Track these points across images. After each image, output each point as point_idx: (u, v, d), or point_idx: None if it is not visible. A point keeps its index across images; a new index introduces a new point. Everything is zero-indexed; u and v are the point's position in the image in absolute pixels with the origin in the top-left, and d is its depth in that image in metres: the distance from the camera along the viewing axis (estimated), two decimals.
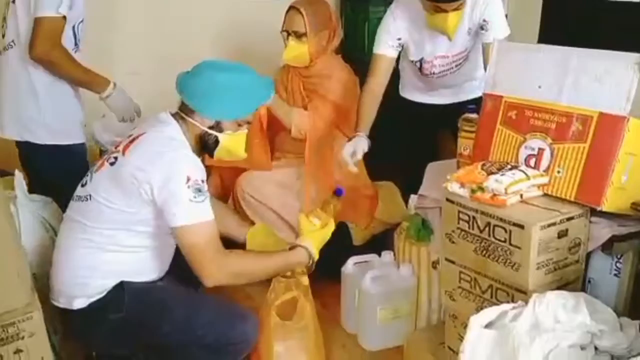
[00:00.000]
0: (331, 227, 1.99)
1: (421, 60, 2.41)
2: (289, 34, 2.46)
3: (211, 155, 1.88)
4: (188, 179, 1.67)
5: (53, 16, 2.05)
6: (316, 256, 1.93)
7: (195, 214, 1.67)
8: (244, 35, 3.39)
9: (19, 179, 1.90)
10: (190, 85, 1.79)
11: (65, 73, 2.17)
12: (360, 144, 2.19)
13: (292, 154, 2.64)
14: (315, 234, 1.95)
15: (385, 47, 2.34)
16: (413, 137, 2.58)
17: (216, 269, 1.70)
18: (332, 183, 2.52)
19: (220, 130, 1.82)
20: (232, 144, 1.85)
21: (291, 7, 2.47)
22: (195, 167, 1.72)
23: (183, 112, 1.82)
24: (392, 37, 2.32)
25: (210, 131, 1.81)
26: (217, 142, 1.83)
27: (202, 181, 1.70)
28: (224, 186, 2.67)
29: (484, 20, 2.24)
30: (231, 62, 1.90)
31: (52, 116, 2.20)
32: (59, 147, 2.22)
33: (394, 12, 2.33)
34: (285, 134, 2.60)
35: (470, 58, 2.40)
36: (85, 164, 2.30)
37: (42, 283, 1.81)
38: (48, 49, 2.07)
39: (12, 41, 2.16)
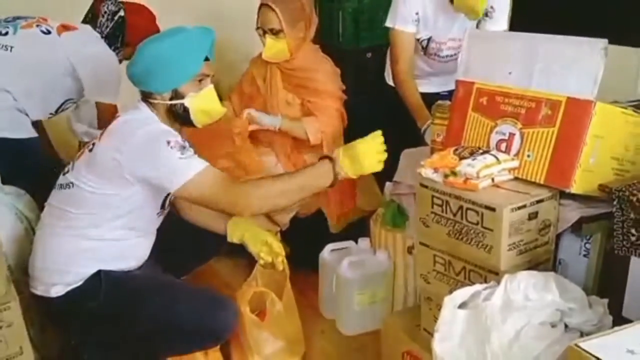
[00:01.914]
0: (381, 149, 1.80)
1: (429, 39, 2.39)
2: (264, 32, 2.43)
3: (193, 125, 1.87)
4: (168, 143, 1.68)
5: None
6: (348, 171, 1.77)
7: (190, 167, 1.68)
8: (220, 27, 3.38)
9: None
10: (133, 71, 1.80)
11: None
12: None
13: (269, 144, 2.64)
14: (354, 146, 1.79)
15: (404, 21, 2.32)
16: (395, 125, 2.59)
17: (241, 200, 1.71)
18: None
19: (182, 97, 1.81)
20: (202, 102, 1.84)
21: (263, 4, 2.43)
22: (170, 133, 1.74)
23: (144, 98, 1.83)
24: (409, 10, 2.30)
25: (174, 102, 1.80)
26: (186, 109, 1.82)
27: (183, 140, 1.72)
28: None
29: (492, 8, 2.26)
30: (161, 33, 1.91)
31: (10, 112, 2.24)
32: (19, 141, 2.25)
33: None
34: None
35: None
36: (40, 158, 2.34)
37: (18, 274, 1.81)
38: None
39: (11, 47, 2.22)
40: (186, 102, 1.81)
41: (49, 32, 2.28)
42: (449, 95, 2.02)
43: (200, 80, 1.83)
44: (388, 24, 2.38)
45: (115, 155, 1.70)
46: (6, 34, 2.24)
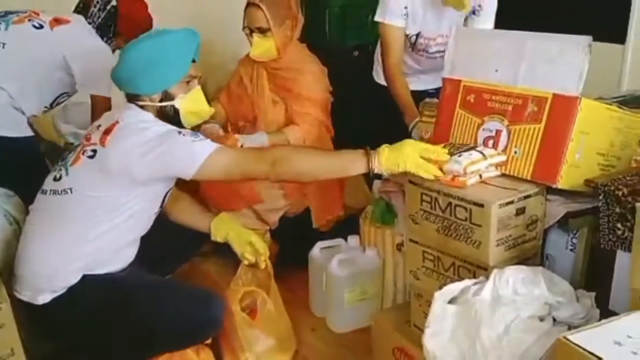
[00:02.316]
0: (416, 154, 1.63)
1: (417, 35, 2.40)
2: (252, 31, 2.43)
3: (182, 126, 1.87)
4: (179, 132, 1.73)
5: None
6: (385, 161, 1.65)
7: (205, 148, 1.71)
8: (203, 28, 3.37)
9: None
10: (121, 74, 1.81)
11: None
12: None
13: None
14: (402, 143, 1.68)
15: (393, 15, 2.33)
16: (383, 123, 2.59)
17: (270, 163, 1.71)
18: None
19: (172, 98, 1.82)
20: (191, 104, 1.85)
21: (250, 3, 2.43)
22: (177, 126, 1.78)
23: (132, 100, 1.83)
24: (398, 4, 2.31)
25: (164, 103, 1.81)
26: (176, 110, 1.83)
27: (191, 129, 1.77)
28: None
29: (479, 6, 2.28)
30: (146, 34, 1.89)
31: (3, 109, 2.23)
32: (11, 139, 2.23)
33: None
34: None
35: None
36: (38, 157, 2.35)
37: (7, 276, 1.80)
38: None
39: (3, 44, 2.20)
40: (176, 103, 1.82)
41: (41, 27, 2.25)
42: (437, 92, 2.03)
43: (188, 82, 1.84)
44: (377, 18, 2.40)
45: (127, 157, 1.70)
46: None
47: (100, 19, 2.37)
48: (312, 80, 2.54)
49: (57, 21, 2.29)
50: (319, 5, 3.42)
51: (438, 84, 2.36)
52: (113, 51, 2.43)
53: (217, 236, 2.03)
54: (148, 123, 1.77)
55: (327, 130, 2.65)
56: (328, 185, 2.59)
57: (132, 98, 1.83)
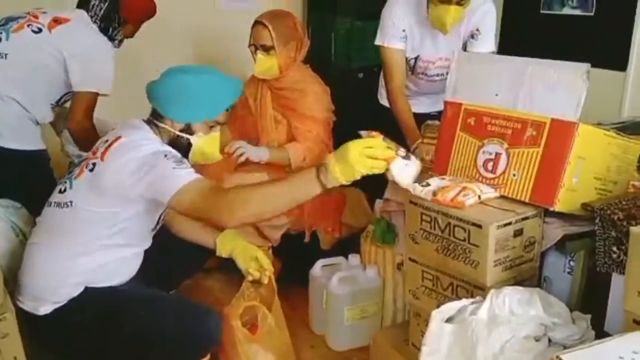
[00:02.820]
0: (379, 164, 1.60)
1: (416, 58, 2.45)
2: (256, 48, 2.48)
3: (186, 159, 1.91)
4: (165, 155, 1.72)
5: (99, 93, 2.31)
6: (337, 173, 1.58)
7: (182, 177, 1.67)
8: (212, 47, 3.43)
9: None
10: (157, 90, 1.84)
11: (90, 144, 2.21)
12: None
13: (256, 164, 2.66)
14: (344, 146, 1.61)
15: (392, 39, 2.38)
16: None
17: (225, 208, 1.64)
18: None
19: (192, 133, 1.86)
20: (205, 145, 1.89)
21: (257, 22, 2.49)
22: (170, 150, 1.77)
23: (154, 118, 1.87)
24: (396, 28, 2.36)
25: (182, 134, 1.85)
26: (189, 144, 1.87)
27: (180, 156, 1.75)
28: None
29: (477, 30, 2.32)
30: (197, 65, 1.94)
31: (16, 121, 2.25)
32: (23, 152, 2.26)
33: (395, 3, 2.37)
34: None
35: None
36: (48, 170, 2.37)
37: (12, 287, 1.83)
38: (86, 124, 2.31)
39: (5, 54, 2.21)
40: (192, 138, 1.86)
41: (40, 31, 2.24)
42: (439, 115, 2.06)
43: (212, 126, 1.89)
44: (377, 42, 2.45)
45: (118, 174, 1.72)
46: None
47: (102, 11, 2.35)
48: (314, 100, 2.58)
49: (56, 21, 2.27)
50: (325, 28, 3.48)
51: (438, 106, 2.38)
52: (121, 42, 2.44)
53: (222, 252, 2.05)
54: (146, 141, 1.79)
55: (329, 150, 2.68)
56: (325, 201, 2.63)
57: (156, 116, 1.86)
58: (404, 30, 2.37)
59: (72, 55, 2.25)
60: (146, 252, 1.94)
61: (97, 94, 2.31)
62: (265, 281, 2.00)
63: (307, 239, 2.60)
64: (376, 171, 1.59)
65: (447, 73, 2.39)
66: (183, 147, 1.87)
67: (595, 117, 1.83)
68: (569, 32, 3.03)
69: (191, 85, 1.82)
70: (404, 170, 1.61)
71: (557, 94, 1.55)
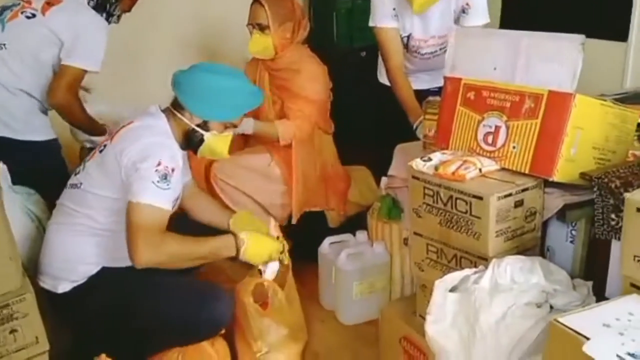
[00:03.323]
0: (275, 246, 1.99)
1: (408, 37, 2.46)
2: (253, 27, 2.50)
3: (195, 152, 1.97)
4: (159, 163, 1.75)
5: (85, 69, 2.23)
6: (245, 254, 1.89)
7: (153, 197, 1.73)
8: (211, 29, 3.45)
9: (4, 171, 1.96)
10: (185, 83, 1.88)
11: (76, 119, 2.32)
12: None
13: (262, 143, 2.69)
14: (258, 236, 1.95)
15: (383, 18, 2.39)
16: (388, 122, 2.63)
17: (147, 252, 1.72)
18: (316, 176, 2.63)
19: (207, 130, 1.91)
20: (217, 144, 1.95)
21: (255, 1, 2.51)
22: (170, 155, 1.79)
23: (174, 108, 1.92)
24: (386, 7, 2.37)
25: (197, 129, 1.91)
26: (202, 140, 1.92)
27: (172, 170, 1.77)
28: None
29: (467, 4, 2.32)
30: (225, 66, 1.98)
31: (26, 113, 2.27)
32: (36, 143, 2.29)
33: None
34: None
35: None
36: (60, 158, 2.40)
37: (29, 272, 1.89)
38: (70, 97, 2.22)
39: (3, 45, 2.22)
40: (206, 135, 1.92)
41: (33, 16, 2.23)
42: (439, 91, 2.09)
43: (227, 127, 1.95)
44: (370, 23, 2.47)
45: (117, 157, 1.78)
46: None
47: None
48: (308, 79, 2.58)
49: (49, 4, 2.26)
50: (326, 8, 3.49)
51: (438, 82, 2.39)
52: (119, 17, 2.43)
53: (237, 231, 2.10)
54: (153, 131, 1.84)
55: (325, 130, 2.70)
56: (331, 182, 2.68)
57: (176, 106, 1.91)
58: (394, 9, 2.37)
59: (68, 35, 2.22)
60: None
61: (83, 71, 2.25)
62: (285, 262, 2.05)
63: (294, 221, 2.62)
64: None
65: (440, 50, 2.46)
66: (194, 142, 1.92)
67: (598, 88, 1.85)
68: (569, 4, 3.03)
69: (219, 87, 1.87)
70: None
71: (553, 65, 1.57)
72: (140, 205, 1.73)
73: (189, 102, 1.88)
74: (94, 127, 2.39)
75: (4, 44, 2.21)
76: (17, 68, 2.21)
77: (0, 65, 2.19)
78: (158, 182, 1.74)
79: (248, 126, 2.50)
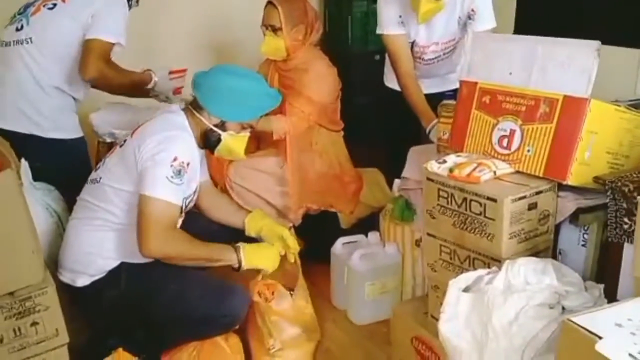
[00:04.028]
0: (275, 255, 2.04)
1: (412, 43, 2.48)
2: (266, 28, 2.53)
3: (212, 152, 2.01)
4: (175, 159, 1.79)
5: (109, 41, 2.21)
6: (246, 263, 1.95)
7: (165, 191, 1.78)
8: (225, 29, 3.48)
9: (25, 167, 1.99)
10: (206, 84, 1.92)
11: (115, 87, 2.33)
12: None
13: (274, 146, 2.71)
14: (258, 246, 2.03)
15: (390, 26, 2.42)
16: (398, 126, 2.65)
17: (154, 244, 1.79)
18: (314, 176, 2.64)
19: (225, 130, 1.96)
20: (234, 144, 1.99)
21: (268, 2, 2.54)
22: (186, 150, 1.84)
23: (193, 107, 1.96)
24: (392, 14, 2.40)
25: (215, 129, 1.95)
26: (219, 140, 1.96)
27: (187, 164, 1.82)
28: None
29: (472, 10, 2.34)
30: (244, 68, 2.03)
31: (56, 112, 2.29)
32: (62, 141, 2.31)
33: None
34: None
35: (457, 48, 2.48)
36: (86, 156, 2.42)
37: (50, 265, 1.93)
38: (102, 66, 2.20)
39: (30, 39, 2.23)
40: (224, 135, 1.96)
41: (54, 6, 2.24)
42: (441, 95, 2.12)
43: (244, 127, 2.00)
44: (378, 31, 2.49)
45: (135, 151, 1.83)
46: (21, 28, 2.24)
47: None
48: (314, 79, 2.58)
49: None
50: (341, 11, 3.52)
51: (443, 88, 2.44)
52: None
53: (252, 231, 2.14)
54: (172, 126, 1.88)
55: (331, 129, 2.69)
56: (342, 183, 2.70)
57: (195, 106, 1.95)
58: (400, 16, 2.40)
59: (90, 17, 2.21)
60: None
61: (108, 43, 2.21)
62: (292, 260, 2.09)
63: (297, 222, 2.63)
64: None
65: (444, 55, 2.49)
66: (212, 141, 1.96)
67: (612, 94, 1.87)
68: (583, 11, 3.04)
69: (238, 88, 1.92)
70: None
71: (568, 71, 1.59)
72: (152, 199, 1.77)
73: (208, 102, 1.92)
74: (139, 85, 2.41)
75: (30, 38, 2.22)
76: (45, 62, 2.23)
77: (30, 60, 2.21)
78: (172, 177, 1.78)
79: None
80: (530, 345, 1.35)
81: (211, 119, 1.95)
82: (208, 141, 1.97)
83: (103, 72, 2.20)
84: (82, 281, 1.88)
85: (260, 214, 2.18)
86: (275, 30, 2.51)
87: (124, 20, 2.28)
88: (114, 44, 2.23)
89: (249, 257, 1.95)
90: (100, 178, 1.91)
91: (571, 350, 1.16)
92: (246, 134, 2.02)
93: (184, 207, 1.98)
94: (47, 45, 2.23)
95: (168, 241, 1.82)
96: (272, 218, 2.25)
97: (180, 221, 2.01)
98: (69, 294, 1.87)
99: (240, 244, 1.97)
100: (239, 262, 1.94)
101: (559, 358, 1.21)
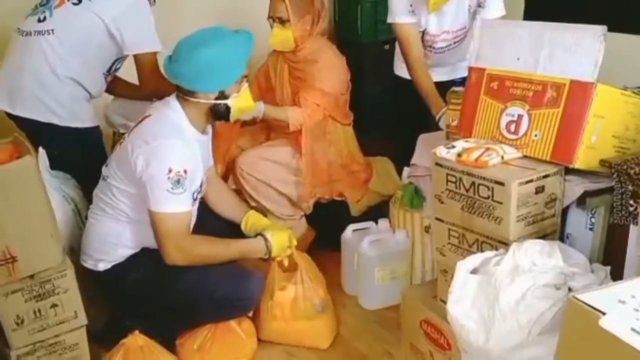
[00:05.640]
0: (287, 232, 2.14)
1: (423, 32, 2.50)
2: (274, 20, 2.54)
3: (227, 120, 2.03)
4: (170, 170, 1.80)
5: (153, 51, 2.31)
6: (275, 251, 2.06)
7: (171, 204, 1.82)
8: (232, 21, 3.48)
9: (42, 156, 2.04)
10: (180, 70, 1.89)
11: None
12: None
13: (286, 135, 2.72)
14: (275, 232, 2.11)
15: (401, 14, 2.44)
16: (407, 115, 2.68)
17: (178, 256, 1.86)
18: (326, 165, 2.67)
19: (227, 97, 1.95)
20: (242, 102, 2.00)
21: None
22: (179, 157, 1.84)
23: (184, 95, 1.94)
24: (403, 2, 2.42)
25: (218, 101, 1.94)
26: (228, 108, 1.96)
27: (185, 171, 1.82)
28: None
29: None
30: (203, 33, 1.95)
31: (71, 101, 2.33)
32: (79, 130, 2.35)
33: None
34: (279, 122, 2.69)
35: (468, 37, 2.49)
36: (101, 145, 2.47)
37: (67, 251, 1.98)
38: (157, 79, 2.30)
39: (52, 30, 2.25)
40: (229, 102, 1.96)
41: (79, 2, 2.26)
42: (451, 83, 2.14)
43: (240, 82, 1.98)
44: (389, 20, 2.51)
45: (130, 155, 1.86)
46: (44, 19, 2.26)
47: None
48: (323, 68, 2.60)
49: None
50: (350, 1, 3.53)
51: (453, 76, 2.49)
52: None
53: (247, 230, 2.19)
54: (166, 130, 1.88)
55: (340, 122, 2.72)
56: (352, 171, 2.73)
57: (184, 92, 1.93)
58: (411, 5, 2.42)
59: (113, 18, 2.25)
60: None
61: (151, 53, 2.33)
62: (286, 263, 2.14)
63: (308, 211, 2.69)
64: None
65: (454, 43, 2.51)
66: (222, 113, 1.97)
67: (620, 81, 1.88)
68: None
69: (215, 56, 1.87)
70: None
71: (575, 56, 1.61)
72: (159, 215, 1.82)
73: (196, 85, 1.91)
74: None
75: (52, 30, 2.25)
76: (64, 53, 2.25)
77: (49, 51, 2.24)
78: (172, 189, 1.81)
79: (258, 110, 2.49)
80: (536, 323, 1.38)
81: (208, 96, 1.93)
82: (219, 115, 1.97)
83: (158, 88, 2.27)
84: (103, 265, 1.94)
85: (258, 215, 2.24)
86: (282, 22, 2.52)
87: (153, 23, 2.33)
88: (157, 52, 2.31)
89: (276, 246, 2.06)
90: (107, 177, 1.95)
91: (576, 326, 1.18)
92: (245, 86, 2.00)
93: (193, 201, 2.00)
94: (68, 38, 2.25)
95: (191, 251, 1.89)
96: (267, 219, 2.31)
97: (195, 210, 2.04)
98: (91, 278, 1.93)
99: (268, 235, 2.05)
100: (269, 251, 2.03)
101: (564, 334, 1.23)
